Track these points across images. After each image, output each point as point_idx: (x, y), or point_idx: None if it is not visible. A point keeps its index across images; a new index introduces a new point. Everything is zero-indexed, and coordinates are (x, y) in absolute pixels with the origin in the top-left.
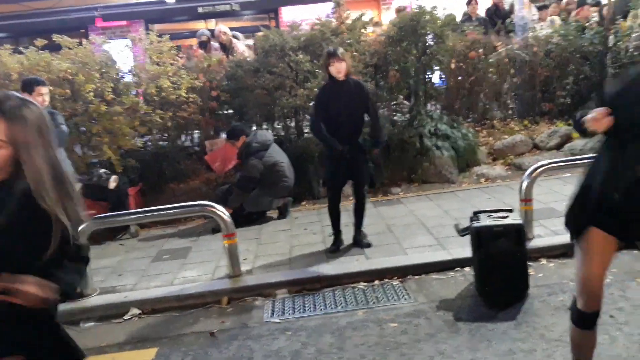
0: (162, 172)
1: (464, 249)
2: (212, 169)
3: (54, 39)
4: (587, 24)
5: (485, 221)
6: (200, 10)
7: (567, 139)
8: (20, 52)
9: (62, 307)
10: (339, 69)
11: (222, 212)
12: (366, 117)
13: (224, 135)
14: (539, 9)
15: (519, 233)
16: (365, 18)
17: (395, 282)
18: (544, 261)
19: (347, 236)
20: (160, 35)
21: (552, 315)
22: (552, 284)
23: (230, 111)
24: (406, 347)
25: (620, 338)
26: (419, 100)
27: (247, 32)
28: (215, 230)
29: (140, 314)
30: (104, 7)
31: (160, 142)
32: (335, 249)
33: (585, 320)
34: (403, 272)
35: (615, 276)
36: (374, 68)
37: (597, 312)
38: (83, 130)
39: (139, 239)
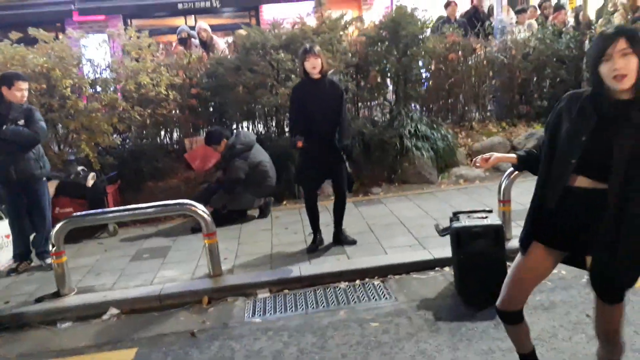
0: (140, 170)
1: (443, 248)
2: (191, 168)
3: (30, 33)
4: (564, 29)
5: (464, 222)
6: (180, 6)
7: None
8: None
9: (39, 307)
10: (313, 65)
11: (203, 211)
12: None
13: (203, 134)
14: (517, 12)
15: (497, 234)
16: (346, 18)
17: (376, 282)
18: None
19: (327, 236)
20: (139, 31)
21: (530, 315)
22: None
23: (210, 109)
24: (387, 346)
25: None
26: (399, 100)
27: (227, 29)
28: (195, 229)
29: (119, 313)
30: (81, 0)
31: (139, 140)
32: (314, 248)
33: (505, 317)
34: (384, 272)
35: None
36: (355, 68)
37: (517, 311)
38: (59, 126)
39: (117, 237)
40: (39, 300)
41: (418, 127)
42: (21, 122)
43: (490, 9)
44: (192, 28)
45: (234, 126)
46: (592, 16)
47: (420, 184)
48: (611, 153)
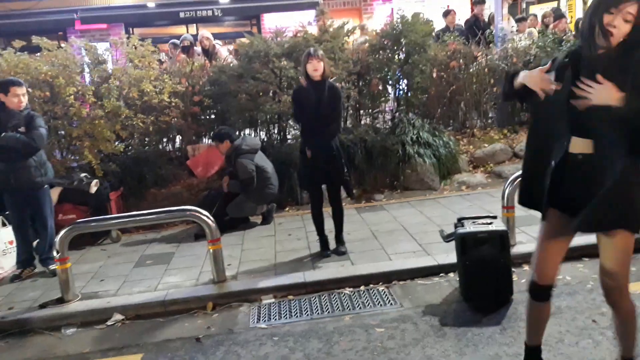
0: (143, 177)
1: (447, 255)
2: (194, 174)
3: (33, 41)
4: (565, 37)
5: (469, 227)
6: (181, 15)
7: None
8: None
9: (43, 313)
10: (315, 67)
11: (207, 217)
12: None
13: (206, 141)
14: (518, 21)
15: (503, 239)
16: (348, 26)
17: (381, 288)
18: (526, 267)
19: (332, 242)
20: (142, 40)
21: None
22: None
23: (213, 116)
24: (394, 352)
25: (603, 342)
26: (401, 108)
27: (229, 37)
28: (198, 236)
29: (123, 319)
30: (84, 9)
31: (142, 147)
32: (328, 254)
33: (538, 291)
34: (388, 278)
35: (596, 282)
36: (357, 76)
37: (550, 285)
38: (62, 134)
39: (120, 244)
40: (43, 306)
41: (420, 134)
42: (22, 128)
43: (491, 17)
44: (195, 36)
45: (237, 133)
46: None
47: (423, 191)
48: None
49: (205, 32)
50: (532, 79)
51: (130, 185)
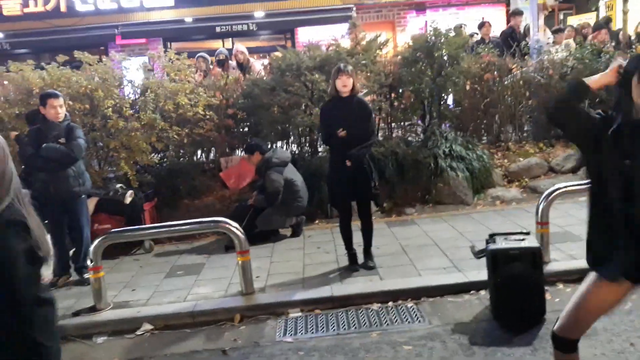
0: (177, 188)
1: (479, 271)
2: (226, 186)
3: (75, 56)
4: (604, 48)
5: (501, 244)
6: (218, 29)
7: (583, 162)
8: (42, 68)
9: (76, 321)
10: (345, 83)
11: (237, 228)
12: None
13: (239, 153)
14: (554, 32)
15: (535, 256)
16: (380, 39)
17: (410, 304)
18: (560, 286)
19: (361, 257)
20: (178, 53)
21: None
22: None
23: (246, 129)
24: None
25: None
26: (433, 121)
27: (264, 51)
28: (228, 247)
29: (152, 329)
30: (124, 25)
31: (176, 158)
32: (357, 268)
33: (563, 345)
34: (417, 294)
35: (635, 303)
36: (388, 88)
37: (576, 340)
38: (100, 145)
39: (153, 254)
40: (76, 314)
41: (453, 147)
42: (62, 139)
43: (526, 29)
44: (230, 50)
45: (269, 145)
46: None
47: (455, 205)
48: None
49: (240, 46)
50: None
51: (165, 196)
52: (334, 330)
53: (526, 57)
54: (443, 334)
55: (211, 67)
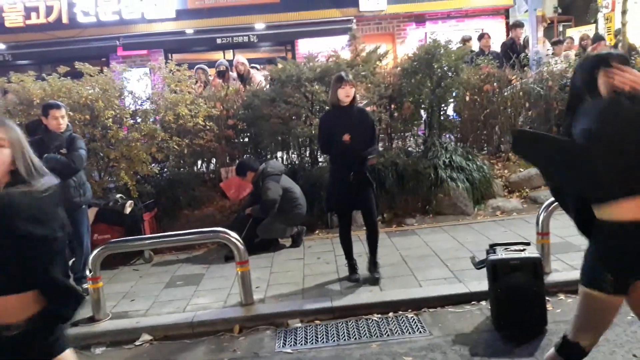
0: (177, 198)
1: (480, 282)
2: (227, 197)
3: (77, 67)
4: None
5: (501, 254)
6: (218, 41)
7: None
8: (43, 79)
9: (74, 331)
10: (347, 93)
11: (236, 239)
12: None
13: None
14: (554, 44)
15: (536, 267)
16: (380, 51)
17: (410, 315)
18: (562, 296)
19: (362, 266)
20: (179, 65)
21: None
22: (571, 320)
23: (246, 139)
24: None
25: None
26: (433, 131)
27: (264, 63)
28: (228, 257)
29: (151, 340)
30: (126, 36)
31: (176, 169)
32: (357, 279)
33: (583, 355)
34: (418, 305)
35: None
36: (388, 99)
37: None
38: (101, 155)
39: (152, 264)
40: (74, 324)
41: (453, 158)
42: (63, 150)
43: (526, 40)
44: (231, 62)
45: (269, 156)
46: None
47: (456, 216)
48: None
49: (241, 57)
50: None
51: (165, 206)
52: (334, 341)
53: (525, 68)
54: (444, 344)
55: (210, 78)
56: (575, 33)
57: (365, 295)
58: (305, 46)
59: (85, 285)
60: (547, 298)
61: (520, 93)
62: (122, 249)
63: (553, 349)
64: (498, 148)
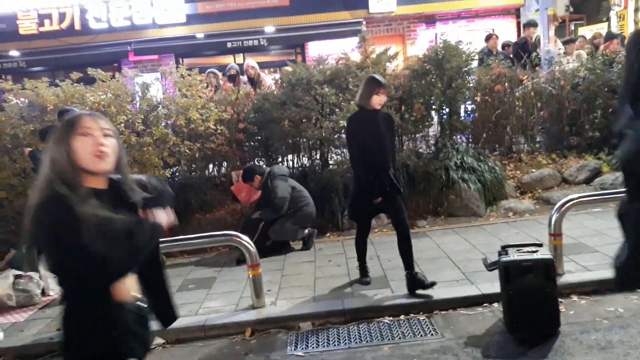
0: (188, 202)
1: (492, 284)
2: (238, 200)
3: (89, 73)
4: (616, 58)
5: (513, 255)
6: (229, 45)
7: (597, 173)
8: (57, 85)
9: None
10: (382, 101)
11: (248, 242)
12: None
13: None
14: (565, 43)
15: (548, 268)
16: (390, 52)
17: (422, 317)
18: (575, 298)
19: (372, 269)
20: (190, 69)
21: (585, 355)
22: (584, 322)
23: (257, 143)
24: None
25: None
26: (444, 132)
27: (275, 66)
28: (240, 260)
29: (164, 343)
30: (137, 42)
31: (188, 173)
32: (369, 282)
33: None
34: (429, 307)
35: None
36: (399, 101)
37: None
38: None
39: (164, 267)
40: None
41: (464, 159)
42: None
43: (537, 40)
44: (241, 65)
45: (280, 159)
46: None
47: (468, 217)
48: None
49: (251, 61)
50: None
51: (177, 210)
52: (346, 344)
53: (537, 68)
54: (456, 347)
55: (221, 82)
56: (587, 32)
57: (376, 298)
58: (315, 49)
59: None
60: (559, 300)
61: (532, 93)
62: None
63: None
64: (510, 149)
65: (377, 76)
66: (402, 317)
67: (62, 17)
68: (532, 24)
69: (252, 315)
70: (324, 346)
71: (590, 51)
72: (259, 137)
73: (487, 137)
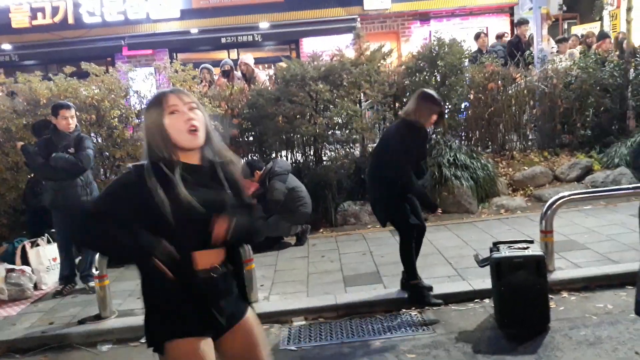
0: None
1: (483, 280)
2: None
3: (82, 67)
4: (608, 57)
5: (505, 252)
6: (223, 40)
7: (588, 171)
8: (50, 79)
9: (81, 329)
10: (434, 120)
11: None
12: None
13: (242, 161)
14: (558, 42)
15: (539, 264)
16: (384, 49)
17: (414, 313)
18: (565, 294)
19: (365, 265)
20: (184, 64)
21: (574, 350)
22: (574, 318)
23: (251, 139)
24: None
25: None
26: (437, 130)
27: (269, 62)
28: None
29: None
30: (131, 36)
31: None
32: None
33: None
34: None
35: None
36: (392, 98)
37: None
38: (106, 155)
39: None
40: (81, 322)
41: (457, 156)
42: (71, 149)
43: (530, 38)
44: (235, 61)
45: (273, 155)
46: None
47: (460, 214)
48: None
49: (246, 57)
50: None
51: None
52: (338, 338)
53: (530, 66)
54: (447, 342)
55: (215, 77)
56: (580, 31)
57: (369, 293)
58: (309, 45)
59: (91, 284)
60: (550, 296)
61: (525, 91)
62: None
63: None
64: (502, 146)
65: (437, 95)
66: (394, 312)
67: (55, 10)
68: (523, 22)
69: None
70: (316, 341)
71: (582, 50)
72: (253, 133)
73: (480, 134)
